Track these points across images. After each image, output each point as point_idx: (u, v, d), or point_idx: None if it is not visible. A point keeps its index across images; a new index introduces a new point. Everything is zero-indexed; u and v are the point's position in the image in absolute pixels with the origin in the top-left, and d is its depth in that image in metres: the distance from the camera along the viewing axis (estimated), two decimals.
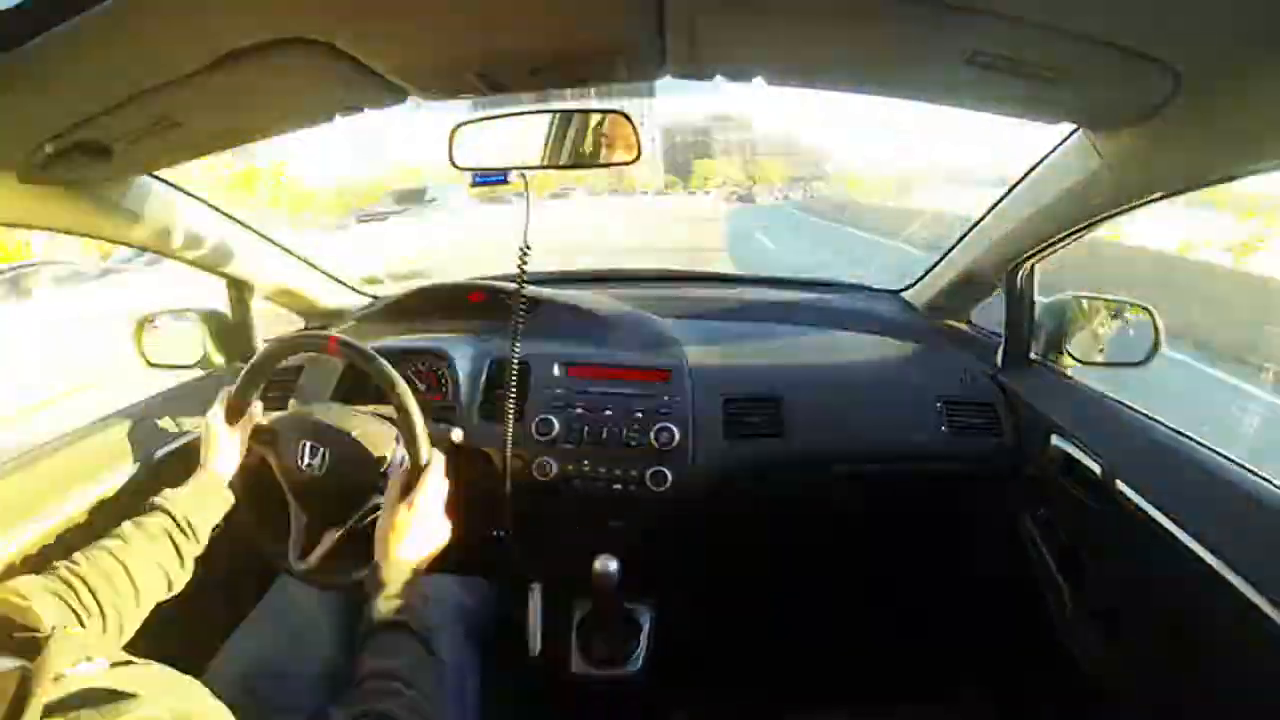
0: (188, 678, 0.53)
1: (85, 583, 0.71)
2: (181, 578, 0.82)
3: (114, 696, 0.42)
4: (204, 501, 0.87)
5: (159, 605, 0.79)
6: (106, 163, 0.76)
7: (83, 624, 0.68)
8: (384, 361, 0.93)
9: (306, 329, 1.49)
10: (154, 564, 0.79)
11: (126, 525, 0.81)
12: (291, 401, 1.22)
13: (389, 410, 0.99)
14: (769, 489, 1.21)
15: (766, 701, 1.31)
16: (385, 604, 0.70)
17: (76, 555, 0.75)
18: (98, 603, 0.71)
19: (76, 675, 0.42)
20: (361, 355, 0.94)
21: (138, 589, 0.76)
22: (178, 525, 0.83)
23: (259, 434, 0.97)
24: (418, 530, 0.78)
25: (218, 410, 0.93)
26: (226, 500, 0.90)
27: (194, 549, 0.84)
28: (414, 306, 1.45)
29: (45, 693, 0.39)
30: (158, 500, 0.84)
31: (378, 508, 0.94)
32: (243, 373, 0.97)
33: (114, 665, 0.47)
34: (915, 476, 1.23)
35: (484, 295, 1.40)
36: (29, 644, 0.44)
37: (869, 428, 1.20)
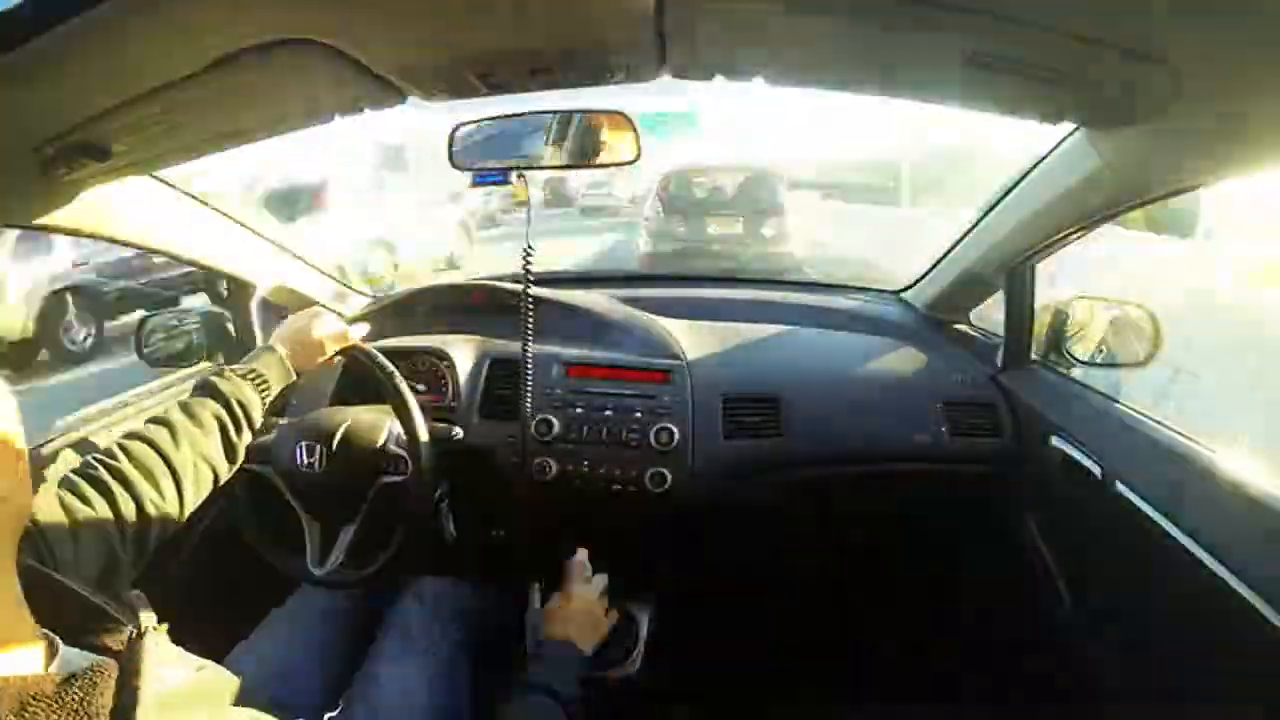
0: (249, 684, 0.52)
1: (123, 481, 0.65)
2: (227, 474, 0.76)
3: (204, 702, 0.42)
4: (261, 384, 0.81)
5: (163, 608, 0.78)
6: (106, 163, 0.76)
7: (122, 541, 0.63)
8: (362, 343, 0.96)
9: None
10: (202, 459, 0.72)
11: (174, 411, 0.74)
12: (291, 403, 1.22)
13: (385, 408, 1.00)
14: (768, 489, 1.21)
15: (766, 702, 1.30)
16: (543, 673, 0.80)
17: (115, 447, 0.69)
18: (137, 505, 0.65)
19: (165, 677, 0.41)
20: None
21: (182, 491, 0.70)
22: (231, 413, 0.76)
23: (256, 451, 0.98)
24: (577, 616, 0.92)
25: (340, 317, 0.95)
26: (287, 377, 0.85)
27: (246, 439, 0.78)
28: (414, 306, 1.46)
29: (147, 697, 0.37)
30: (212, 381, 0.77)
31: (384, 494, 0.96)
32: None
33: (199, 669, 0.46)
34: (915, 477, 1.23)
35: (485, 295, 1.40)
36: (122, 642, 0.43)
37: (869, 428, 1.20)
